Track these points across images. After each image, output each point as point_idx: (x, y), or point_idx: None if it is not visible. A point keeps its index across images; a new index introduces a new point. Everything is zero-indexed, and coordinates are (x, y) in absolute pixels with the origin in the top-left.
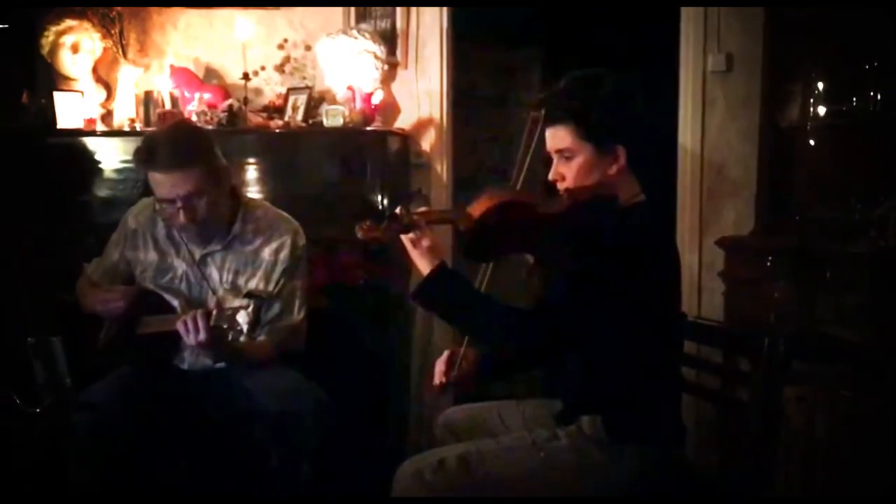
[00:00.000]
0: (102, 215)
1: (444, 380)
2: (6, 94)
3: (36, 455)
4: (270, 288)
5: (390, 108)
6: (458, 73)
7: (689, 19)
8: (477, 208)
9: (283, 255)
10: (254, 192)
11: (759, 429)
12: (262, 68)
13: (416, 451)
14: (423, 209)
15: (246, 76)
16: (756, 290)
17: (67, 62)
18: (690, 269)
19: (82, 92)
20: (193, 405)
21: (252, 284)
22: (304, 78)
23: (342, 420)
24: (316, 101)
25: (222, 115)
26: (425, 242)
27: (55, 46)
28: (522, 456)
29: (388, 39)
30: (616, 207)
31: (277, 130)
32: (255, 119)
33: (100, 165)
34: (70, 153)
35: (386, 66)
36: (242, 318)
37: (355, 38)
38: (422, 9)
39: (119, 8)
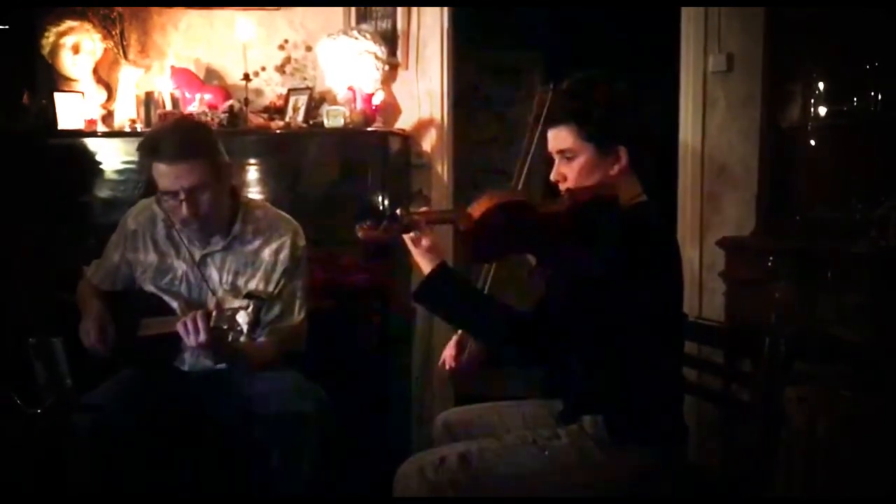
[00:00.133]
0: (103, 216)
1: (453, 364)
2: (7, 94)
3: (36, 456)
4: (270, 289)
5: (391, 109)
6: (458, 74)
7: (690, 19)
8: (477, 209)
9: (283, 255)
10: (255, 192)
11: (760, 429)
12: (263, 69)
13: (416, 451)
14: (423, 209)
15: (247, 77)
16: (757, 291)
17: (68, 63)
18: (691, 269)
19: (83, 93)
20: (194, 406)
21: (252, 285)
22: (305, 79)
23: (343, 420)
24: (317, 102)
25: (223, 115)
26: (425, 242)
27: (56, 47)
28: (523, 455)
29: (389, 40)
30: (617, 208)
31: (278, 131)
32: (256, 120)
33: (100, 166)
34: (71, 154)
35: (386, 67)
36: (242, 319)
37: (356, 38)
38: (422, 9)
39: (120, 9)
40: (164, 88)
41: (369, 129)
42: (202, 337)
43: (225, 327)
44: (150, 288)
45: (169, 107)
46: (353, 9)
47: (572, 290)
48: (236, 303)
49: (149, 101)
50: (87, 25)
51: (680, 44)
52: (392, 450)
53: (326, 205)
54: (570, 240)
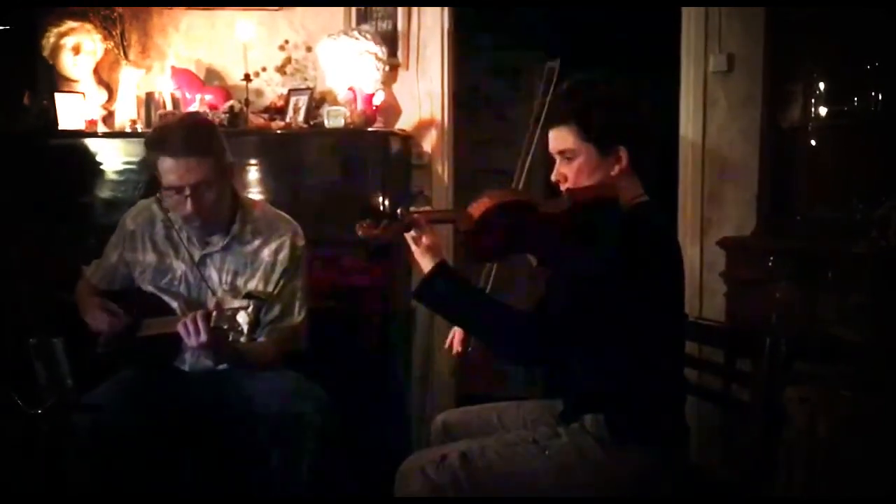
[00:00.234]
0: (104, 216)
1: (459, 348)
2: (8, 95)
3: (37, 456)
4: (270, 289)
5: (391, 109)
6: (458, 74)
7: (690, 19)
8: (477, 208)
9: (283, 255)
10: (255, 192)
11: (761, 429)
12: (264, 69)
13: (416, 451)
14: (423, 209)
15: (247, 77)
16: (757, 291)
17: (69, 63)
18: (692, 269)
19: (84, 93)
20: (194, 406)
21: (251, 285)
22: (306, 79)
23: (343, 420)
24: (317, 102)
25: (223, 116)
26: (426, 241)
27: (56, 48)
28: (524, 453)
29: (390, 40)
30: (618, 207)
31: (279, 131)
32: (257, 120)
33: (101, 167)
34: (71, 154)
35: (387, 67)
36: (242, 319)
37: (356, 39)
38: (423, 9)
39: (120, 9)
40: (165, 89)
41: (370, 129)
42: (203, 337)
43: (225, 327)
44: (149, 288)
45: (169, 107)
46: (353, 9)
47: (573, 290)
48: (236, 303)
49: (149, 101)
50: (88, 26)
51: (680, 44)
52: (392, 450)
53: (327, 205)
54: (571, 240)
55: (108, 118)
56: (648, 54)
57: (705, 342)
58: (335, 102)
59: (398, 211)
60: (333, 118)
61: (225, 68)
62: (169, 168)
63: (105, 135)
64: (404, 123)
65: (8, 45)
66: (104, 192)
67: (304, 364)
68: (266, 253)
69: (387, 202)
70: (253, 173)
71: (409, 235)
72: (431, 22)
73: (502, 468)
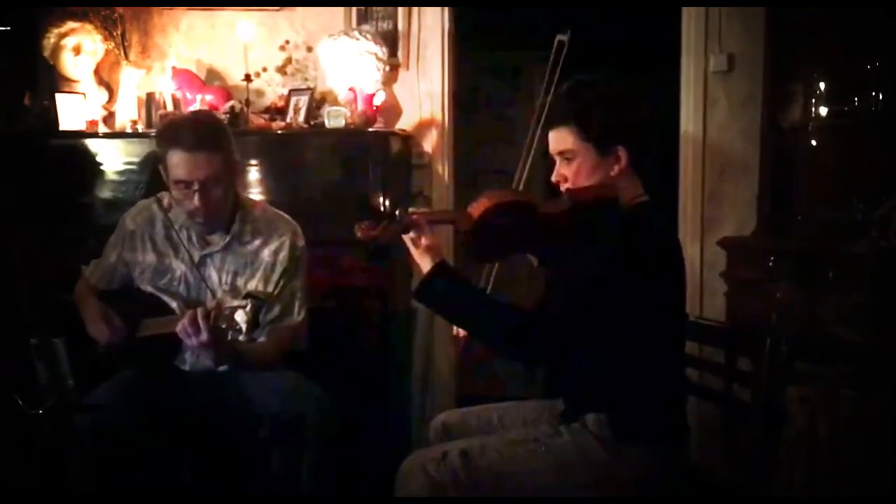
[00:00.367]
0: (104, 217)
1: (464, 332)
2: (8, 95)
3: (38, 456)
4: (270, 289)
5: (392, 109)
6: (459, 75)
7: (691, 19)
8: (476, 208)
9: (283, 255)
10: (256, 193)
11: (762, 429)
12: (264, 69)
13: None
14: (422, 209)
15: (248, 77)
16: (758, 290)
17: (69, 64)
18: (692, 269)
19: (84, 94)
20: (194, 406)
21: (251, 285)
22: (306, 79)
23: (343, 420)
24: (318, 103)
25: (224, 116)
26: (425, 242)
27: (57, 48)
28: (525, 452)
29: (390, 40)
30: (618, 208)
31: (279, 132)
32: (257, 120)
33: (101, 167)
34: (72, 155)
35: (387, 68)
36: (241, 318)
37: (357, 39)
38: (423, 10)
39: (121, 9)
40: (166, 89)
41: (370, 129)
42: (203, 336)
43: (224, 326)
44: (148, 288)
45: (170, 108)
46: (353, 9)
47: (573, 290)
48: (235, 302)
49: (150, 101)
50: (89, 26)
51: (681, 44)
52: (392, 450)
53: (327, 205)
54: (571, 240)
55: (109, 118)
56: (649, 54)
57: (706, 342)
58: (336, 103)
59: (396, 212)
60: (334, 118)
61: (225, 68)
62: (179, 162)
63: (105, 135)
64: (405, 123)
65: (8, 46)
66: (104, 193)
67: (304, 364)
68: (266, 253)
69: (387, 202)
70: (253, 173)
71: (408, 236)
72: (432, 22)
73: (503, 467)
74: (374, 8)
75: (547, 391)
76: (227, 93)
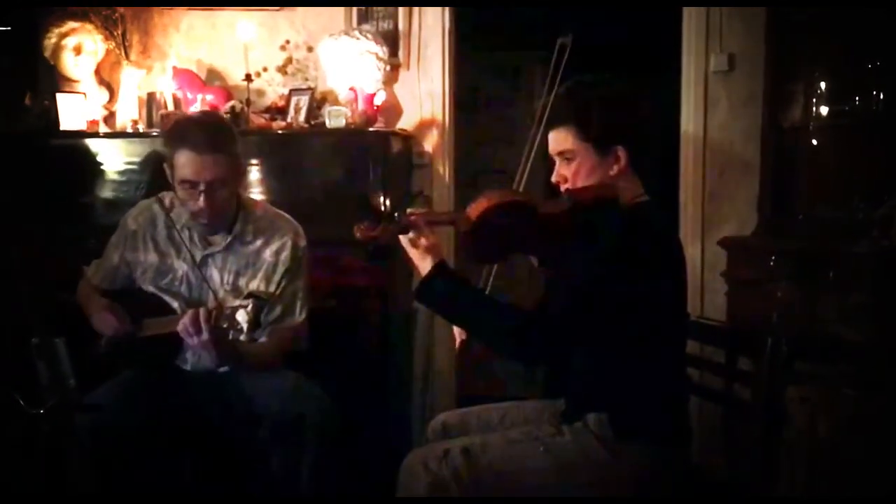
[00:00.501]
0: (105, 217)
1: (464, 336)
2: (9, 95)
3: (38, 456)
4: (271, 289)
5: (392, 109)
6: (459, 74)
7: (691, 19)
8: (475, 209)
9: (284, 255)
10: (256, 192)
11: (762, 428)
12: (265, 69)
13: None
14: (421, 210)
15: (248, 77)
16: (758, 290)
17: (70, 64)
18: (693, 268)
19: (85, 94)
20: (195, 406)
21: (253, 285)
22: (307, 79)
23: (343, 421)
24: (318, 102)
25: (225, 116)
26: (423, 243)
27: (58, 48)
28: (526, 450)
29: (390, 40)
30: (618, 207)
31: (280, 131)
32: (258, 120)
33: (102, 167)
34: (73, 155)
35: (388, 67)
36: (242, 317)
37: (357, 38)
38: (424, 9)
39: (121, 9)
40: (166, 89)
41: (371, 129)
42: (204, 336)
43: (225, 326)
44: (149, 288)
45: (171, 107)
46: (354, 9)
47: (573, 290)
48: (237, 302)
49: (151, 101)
50: (89, 26)
51: (682, 43)
52: (392, 450)
53: (328, 205)
54: (571, 240)
55: (110, 118)
56: (649, 54)
57: (706, 342)
58: (336, 102)
59: (395, 213)
60: (334, 118)
61: (226, 68)
62: (187, 162)
63: (106, 135)
64: (405, 123)
65: (9, 46)
66: (105, 193)
67: (304, 364)
68: (268, 253)
69: (388, 202)
70: (254, 173)
71: (407, 237)
72: (432, 22)
73: (505, 465)
74: (374, 8)
75: (547, 391)
76: (228, 93)
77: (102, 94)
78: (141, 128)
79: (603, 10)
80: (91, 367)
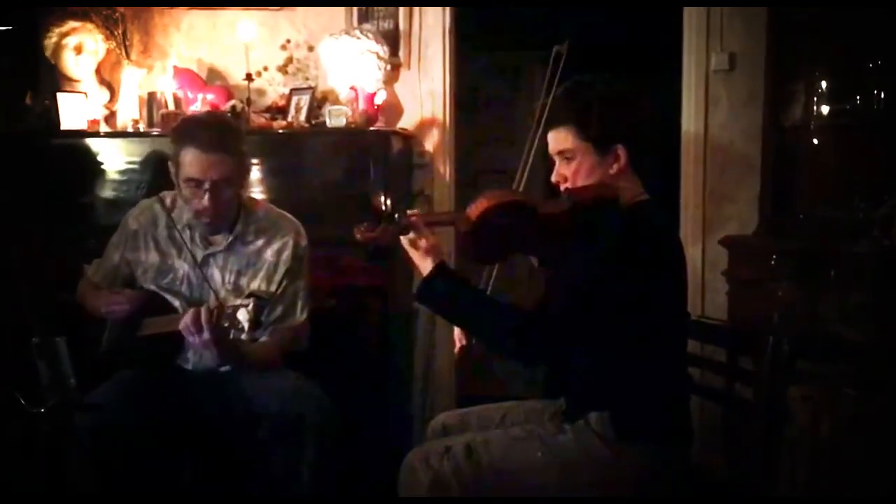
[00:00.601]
0: (105, 216)
1: (463, 342)
2: (10, 95)
3: (38, 455)
4: (273, 289)
5: (393, 109)
6: (460, 74)
7: (692, 18)
8: (474, 209)
9: (286, 255)
10: (257, 192)
11: (764, 428)
12: (265, 69)
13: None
14: (420, 211)
15: (249, 77)
16: (760, 290)
17: (71, 63)
18: (694, 268)
19: (86, 93)
20: (195, 406)
21: (254, 285)
22: (307, 78)
23: (343, 421)
24: (319, 102)
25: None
26: (423, 243)
27: (58, 48)
28: (528, 447)
29: (391, 39)
30: (618, 207)
31: (280, 131)
32: (258, 120)
33: (103, 167)
34: (73, 154)
35: (389, 67)
36: (243, 316)
37: (358, 38)
38: (424, 9)
39: (122, 9)
40: (167, 89)
41: (371, 128)
42: (205, 335)
43: (226, 325)
44: (150, 287)
45: (171, 107)
46: (355, 9)
47: (573, 290)
48: (238, 301)
49: (151, 101)
50: (90, 26)
51: (682, 43)
52: (392, 450)
53: (328, 204)
54: (571, 239)
55: (110, 118)
56: (650, 53)
57: (708, 341)
58: (337, 102)
59: (395, 214)
60: (335, 117)
61: (226, 68)
62: (193, 160)
63: (107, 134)
64: (406, 123)
65: (10, 45)
66: (106, 192)
67: (304, 364)
68: (269, 253)
69: (388, 201)
70: (255, 173)
71: (407, 238)
72: (433, 21)
73: (506, 461)
74: (375, 7)
75: (548, 391)
76: (229, 92)
77: (103, 94)
78: (142, 127)
79: (603, 10)
80: (91, 366)
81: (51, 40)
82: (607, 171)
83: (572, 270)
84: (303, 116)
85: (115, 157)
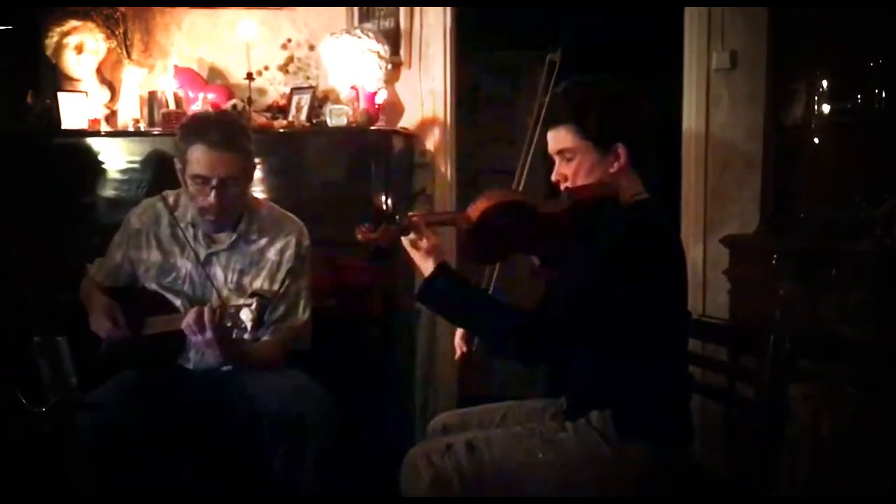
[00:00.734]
0: (107, 216)
1: (464, 349)
2: (11, 94)
3: (40, 455)
4: (275, 288)
5: (394, 108)
6: (460, 74)
7: (693, 17)
8: (475, 209)
9: (288, 254)
10: (258, 191)
11: (765, 426)
12: (266, 68)
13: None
14: (421, 211)
15: (250, 76)
16: (761, 289)
17: (72, 63)
18: (695, 267)
19: (86, 92)
20: (196, 405)
21: (257, 284)
22: (308, 78)
23: (344, 420)
24: (320, 101)
25: None
26: (424, 244)
27: (59, 47)
28: (529, 445)
29: (392, 39)
30: (618, 205)
31: (281, 130)
32: (259, 119)
33: (104, 166)
34: (74, 154)
35: (390, 66)
36: (246, 316)
37: (359, 37)
38: (425, 8)
39: (123, 8)
40: (168, 88)
41: (372, 127)
42: (208, 334)
43: (228, 324)
44: (153, 286)
45: (172, 106)
46: (355, 8)
47: (573, 289)
48: (241, 301)
49: (152, 100)
50: (91, 25)
51: (683, 42)
52: (393, 450)
53: (329, 204)
54: (572, 239)
55: (111, 117)
56: (651, 52)
57: (709, 340)
58: (338, 101)
59: (396, 215)
60: (336, 117)
61: (227, 67)
62: (202, 157)
63: (108, 134)
64: (407, 122)
65: (11, 45)
66: (107, 192)
67: (305, 363)
68: (272, 252)
69: (389, 201)
70: (256, 172)
71: (408, 239)
72: (434, 21)
73: (507, 459)
74: (376, 6)
75: (549, 390)
76: (229, 91)
77: (104, 93)
78: (142, 127)
79: (603, 10)
80: (93, 366)
81: (52, 40)
82: (607, 170)
83: (573, 270)
84: (304, 116)
85: (115, 157)
